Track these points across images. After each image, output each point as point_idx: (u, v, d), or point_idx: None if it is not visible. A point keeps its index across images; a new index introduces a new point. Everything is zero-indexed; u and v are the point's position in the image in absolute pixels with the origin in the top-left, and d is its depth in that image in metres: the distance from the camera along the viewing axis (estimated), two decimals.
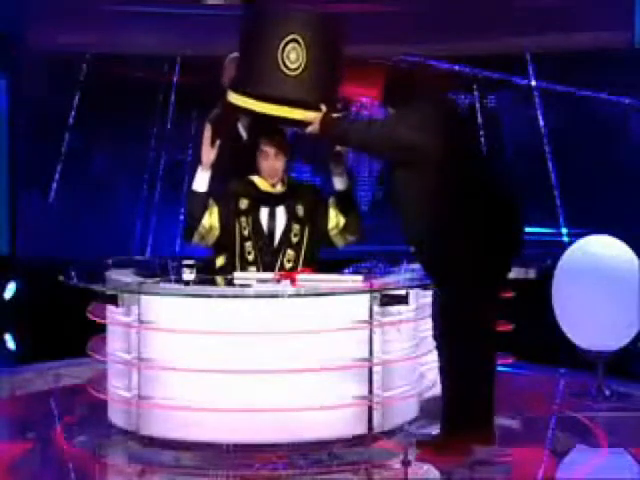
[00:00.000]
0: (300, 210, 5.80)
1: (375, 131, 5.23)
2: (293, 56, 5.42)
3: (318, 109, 5.45)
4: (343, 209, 5.83)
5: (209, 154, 5.70)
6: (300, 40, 5.43)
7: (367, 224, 6.04)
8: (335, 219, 5.83)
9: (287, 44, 5.42)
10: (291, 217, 5.78)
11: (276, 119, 5.55)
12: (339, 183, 5.83)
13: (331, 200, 5.85)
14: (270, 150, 5.74)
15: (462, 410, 5.16)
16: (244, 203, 5.78)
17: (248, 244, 5.73)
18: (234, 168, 5.97)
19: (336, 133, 5.40)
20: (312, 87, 5.49)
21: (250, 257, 5.69)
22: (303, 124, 5.48)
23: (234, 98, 5.63)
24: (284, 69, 5.43)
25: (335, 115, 5.46)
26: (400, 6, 9.25)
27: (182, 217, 9.81)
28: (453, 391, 5.20)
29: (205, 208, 5.71)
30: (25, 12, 9.38)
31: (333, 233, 5.84)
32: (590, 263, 6.33)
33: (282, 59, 5.42)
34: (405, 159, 5.13)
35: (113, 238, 9.62)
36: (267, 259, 5.71)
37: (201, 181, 5.72)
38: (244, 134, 6.11)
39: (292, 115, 5.49)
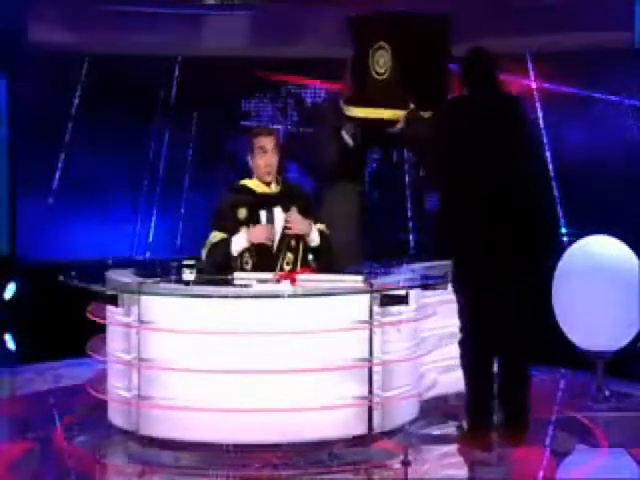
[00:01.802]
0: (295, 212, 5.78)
1: (414, 131, 5.53)
2: (382, 61, 5.86)
3: (407, 108, 5.72)
4: (317, 256, 5.79)
5: (263, 236, 5.66)
6: (386, 46, 5.86)
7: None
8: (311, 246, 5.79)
9: (376, 51, 5.88)
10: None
11: (371, 120, 6.00)
12: (312, 242, 5.77)
13: (316, 231, 5.78)
14: (268, 145, 5.72)
15: (474, 407, 5.22)
16: (242, 213, 5.74)
17: (246, 254, 5.68)
18: (341, 174, 6.47)
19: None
20: (399, 88, 5.84)
21: (247, 267, 5.65)
22: (393, 123, 5.80)
23: (344, 108, 6.23)
24: (374, 74, 5.91)
25: (419, 113, 5.69)
26: (399, 7, 9.23)
27: (181, 223, 9.86)
28: (467, 387, 5.34)
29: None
30: (25, 11, 9.38)
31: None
32: (590, 263, 6.33)
33: (372, 65, 5.90)
34: (429, 159, 5.27)
35: (113, 238, 9.62)
36: (266, 266, 5.65)
37: (239, 246, 5.66)
38: (349, 141, 6.44)
39: (383, 115, 5.88)
